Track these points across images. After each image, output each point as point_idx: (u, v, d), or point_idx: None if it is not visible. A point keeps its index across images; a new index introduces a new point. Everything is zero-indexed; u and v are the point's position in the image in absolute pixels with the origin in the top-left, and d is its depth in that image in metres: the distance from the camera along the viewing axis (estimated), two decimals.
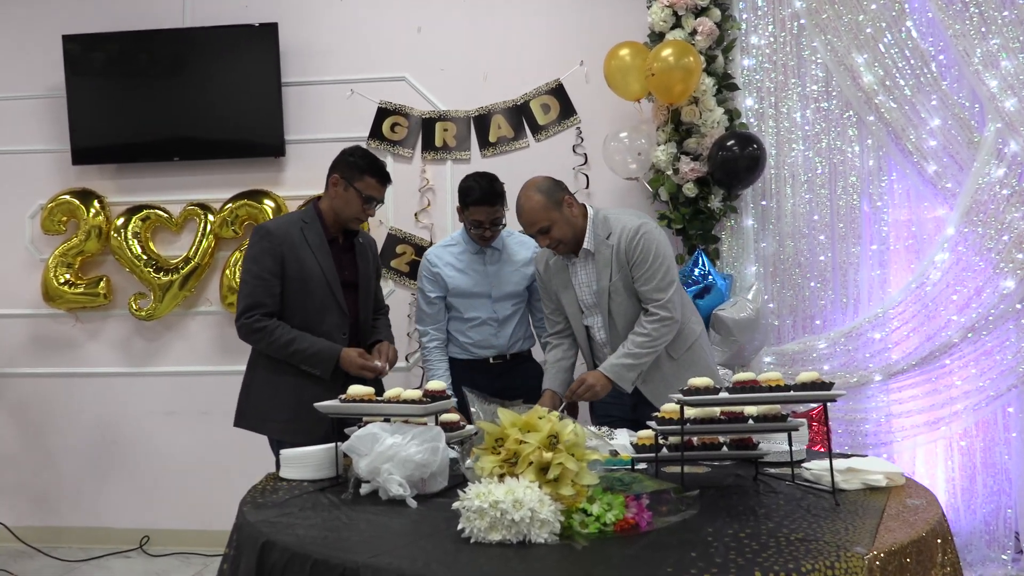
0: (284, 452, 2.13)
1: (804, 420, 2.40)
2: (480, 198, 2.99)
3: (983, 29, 3.40)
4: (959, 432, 3.56)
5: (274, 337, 2.64)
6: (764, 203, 3.70)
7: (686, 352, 2.81)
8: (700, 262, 3.51)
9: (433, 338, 3.14)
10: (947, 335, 3.48)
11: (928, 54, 3.47)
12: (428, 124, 4.01)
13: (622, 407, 2.78)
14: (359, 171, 2.76)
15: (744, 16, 3.69)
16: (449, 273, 3.10)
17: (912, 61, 3.47)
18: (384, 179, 2.81)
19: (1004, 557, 3.50)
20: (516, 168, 3.92)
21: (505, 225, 3.11)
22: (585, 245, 2.73)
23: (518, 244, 3.20)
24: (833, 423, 3.53)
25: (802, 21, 3.61)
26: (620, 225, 2.71)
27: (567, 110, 3.96)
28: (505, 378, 3.07)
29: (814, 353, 3.57)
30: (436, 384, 2.04)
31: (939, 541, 1.66)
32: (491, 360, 3.13)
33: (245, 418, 2.84)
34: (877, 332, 3.55)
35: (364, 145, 3.97)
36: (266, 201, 3.96)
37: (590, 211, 2.77)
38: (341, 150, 2.87)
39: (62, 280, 3.99)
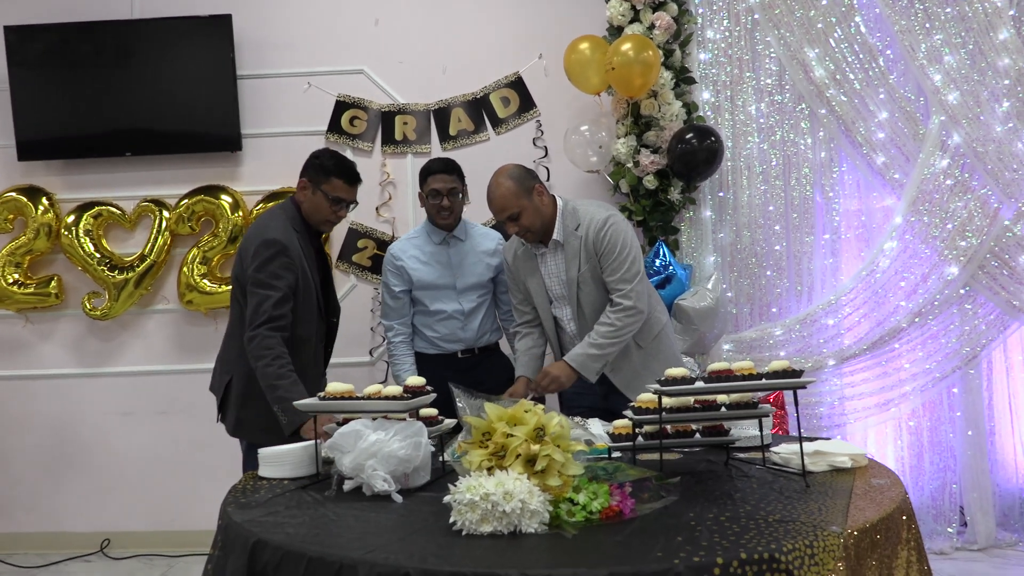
0: (263, 451, 2.12)
1: (771, 408, 2.49)
2: (438, 167, 3.04)
3: (927, 25, 3.54)
4: (907, 413, 3.72)
5: (273, 366, 2.47)
6: (721, 194, 3.79)
7: (652, 341, 2.87)
8: (661, 253, 3.59)
9: (398, 332, 3.13)
10: (896, 320, 3.63)
11: (876, 49, 3.59)
12: (388, 117, 3.99)
13: (592, 396, 2.83)
14: (325, 173, 2.73)
15: (700, 11, 3.77)
16: (413, 266, 3.08)
17: (861, 56, 3.59)
18: (353, 180, 2.78)
19: (950, 530, 3.68)
20: (477, 161, 3.94)
21: (466, 201, 3.11)
22: (555, 236, 2.77)
23: (481, 235, 3.21)
24: (788, 407, 3.65)
25: (756, 16, 3.70)
26: (588, 216, 2.76)
27: (527, 103, 3.98)
28: (474, 372, 3.07)
29: (771, 340, 3.68)
30: (415, 379, 2.05)
31: (904, 518, 1.75)
32: (459, 354, 3.12)
33: (245, 429, 2.72)
34: (830, 318, 3.67)
35: (323, 139, 3.96)
36: (223, 196, 3.90)
37: (559, 202, 2.81)
38: (311, 152, 2.84)
39: (11, 280, 3.86)
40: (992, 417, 3.73)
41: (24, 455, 4.01)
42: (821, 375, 3.68)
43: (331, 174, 2.72)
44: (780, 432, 3.34)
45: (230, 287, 3.78)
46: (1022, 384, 3.71)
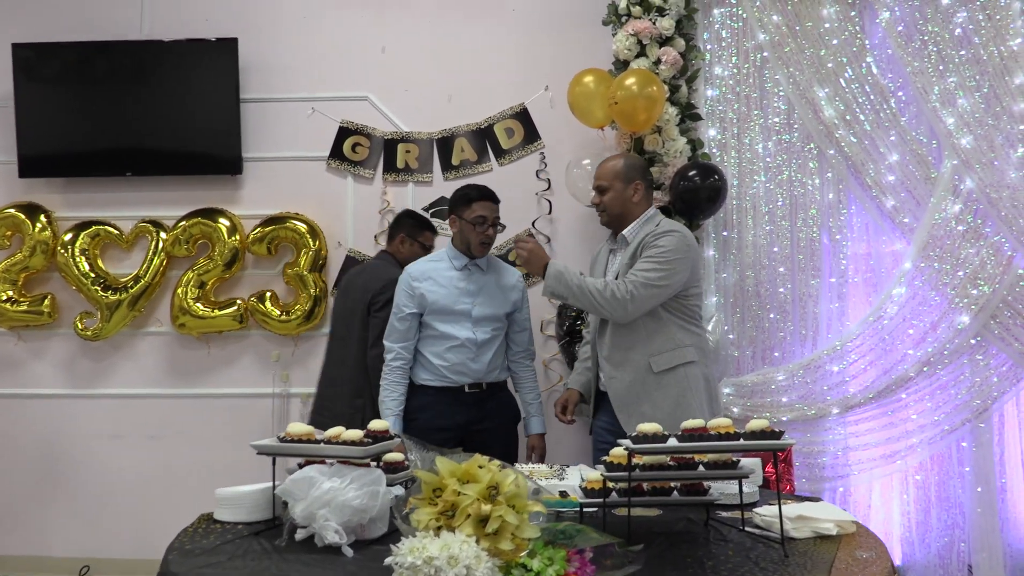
0: (219, 492, 2.05)
1: (758, 460, 2.38)
2: (484, 194, 3.00)
3: (941, 67, 3.44)
4: (914, 466, 3.57)
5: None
6: (725, 233, 3.70)
7: (669, 373, 2.74)
8: None
9: (398, 356, 2.99)
10: (903, 369, 3.49)
11: (888, 90, 3.50)
12: (390, 145, 3.95)
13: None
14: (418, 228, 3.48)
15: (708, 47, 3.70)
16: (430, 288, 2.97)
17: (872, 96, 3.49)
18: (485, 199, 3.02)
19: None
20: None
21: (504, 227, 3.06)
22: (626, 231, 2.83)
23: (503, 269, 3.14)
24: (792, 455, 3.52)
25: (765, 54, 3.63)
26: (666, 225, 2.80)
27: (531, 135, 3.93)
28: (479, 408, 2.97)
29: (772, 385, 3.56)
30: (379, 423, 1.97)
31: None
32: (466, 388, 2.98)
33: None
34: (835, 365, 3.55)
35: (324, 165, 3.94)
36: (221, 219, 3.87)
37: (651, 211, 2.88)
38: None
39: (5, 297, 3.86)
40: (1003, 473, 3.56)
41: (9, 475, 3.97)
42: (825, 423, 3.55)
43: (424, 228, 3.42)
44: (788, 488, 3.19)
45: (223, 312, 3.81)
46: None
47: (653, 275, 2.67)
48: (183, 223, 3.87)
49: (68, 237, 3.88)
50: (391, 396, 2.97)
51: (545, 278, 2.74)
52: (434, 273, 3.00)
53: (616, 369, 2.77)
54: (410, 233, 3.48)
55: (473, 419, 2.96)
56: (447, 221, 3.09)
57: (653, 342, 2.74)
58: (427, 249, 3.45)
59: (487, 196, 2.99)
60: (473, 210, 2.95)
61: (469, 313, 2.98)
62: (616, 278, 2.76)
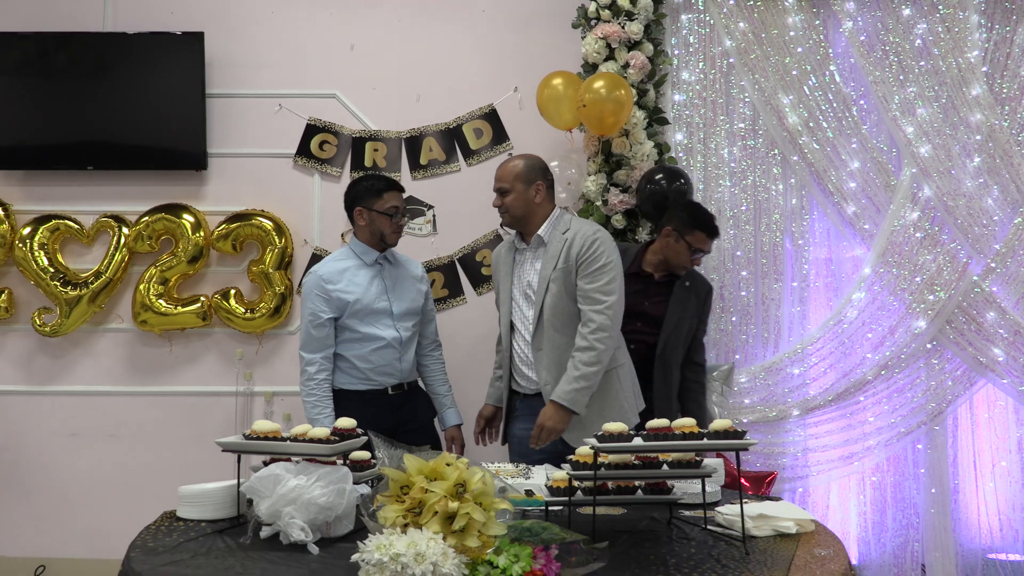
0: (183, 489, 2.02)
1: (720, 461, 2.41)
2: (391, 183, 2.99)
3: (901, 77, 3.52)
4: (871, 467, 3.65)
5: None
6: None
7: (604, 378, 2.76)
8: None
9: (322, 368, 2.84)
10: (862, 372, 3.57)
11: (850, 98, 3.57)
12: (358, 143, 3.93)
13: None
14: (691, 226, 3.06)
15: (676, 52, 3.74)
16: (348, 289, 2.87)
17: (835, 104, 3.56)
18: (713, 234, 3.12)
19: None
20: (447, 191, 3.91)
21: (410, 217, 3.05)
22: (540, 232, 2.84)
23: (407, 260, 3.12)
24: (753, 456, 3.57)
25: (731, 60, 3.68)
26: (580, 224, 2.86)
27: (500, 135, 3.93)
28: (403, 411, 2.94)
29: (735, 387, 3.61)
30: (345, 421, 1.96)
31: None
32: (390, 390, 2.92)
33: None
34: (796, 367, 3.61)
35: (291, 163, 3.90)
36: (185, 215, 3.81)
37: (557, 210, 2.92)
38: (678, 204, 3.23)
39: None
40: (957, 474, 3.65)
41: None
42: (785, 425, 3.62)
43: (695, 228, 3.05)
44: (752, 491, 3.25)
45: (186, 308, 3.76)
46: (987, 442, 3.65)
47: (611, 286, 2.72)
48: (146, 218, 3.80)
49: (27, 231, 3.79)
50: (324, 412, 2.82)
51: (575, 408, 2.66)
52: (346, 273, 2.91)
53: (553, 375, 2.74)
54: (679, 230, 3.08)
55: (400, 423, 2.90)
56: (354, 214, 2.97)
57: None
58: (693, 251, 3.09)
59: (395, 186, 2.99)
60: (385, 200, 2.92)
61: (389, 311, 2.93)
62: (541, 278, 2.78)
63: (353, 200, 2.97)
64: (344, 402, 2.86)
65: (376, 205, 2.92)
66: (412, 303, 2.99)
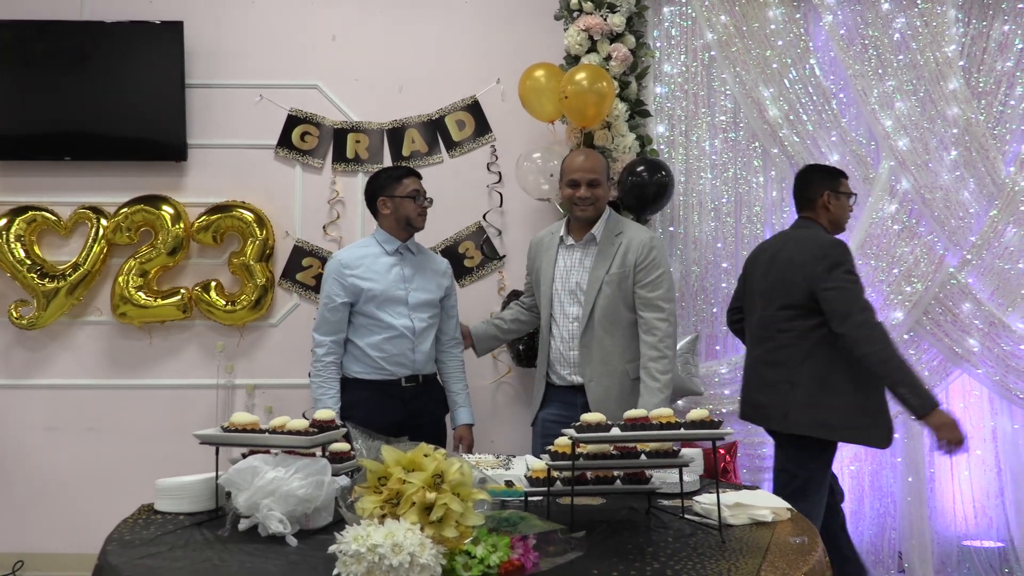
0: (160, 482, 2.01)
1: (699, 451, 2.43)
2: (408, 170, 3.04)
3: (880, 71, 3.55)
4: (849, 456, 3.68)
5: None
6: (672, 229, 3.76)
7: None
8: None
9: (331, 351, 2.90)
10: None
11: (830, 92, 3.60)
12: (340, 134, 3.91)
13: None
14: (835, 177, 3.02)
15: (658, 44, 3.75)
16: (365, 275, 2.91)
17: (815, 98, 3.59)
18: None
19: None
20: (430, 183, 3.82)
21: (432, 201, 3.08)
22: (594, 231, 2.89)
23: (431, 254, 3.17)
24: (738, 448, 3.60)
25: (713, 53, 3.69)
26: (633, 229, 2.93)
27: (482, 127, 3.93)
28: (416, 403, 2.94)
29: (716, 378, 3.64)
30: (324, 413, 1.96)
31: None
32: (403, 382, 2.92)
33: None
34: None
35: (272, 153, 3.88)
36: (164, 207, 3.78)
37: (608, 210, 2.97)
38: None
39: None
40: (932, 463, 3.71)
41: None
42: None
43: (839, 175, 2.98)
44: (731, 477, 3.29)
45: (166, 301, 3.73)
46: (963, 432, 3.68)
47: (670, 294, 2.85)
48: (125, 210, 3.77)
49: (3, 223, 3.74)
50: (328, 394, 2.88)
51: None
52: (366, 260, 2.95)
53: (598, 374, 2.84)
54: (832, 187, 2.92)
55: (409, 416, 2.91)
56: (377, 204, 3.00)
57: (629, 351, 2.86)
58: (850, 195, 2.99)
59: (413, 172, 3.04)
60: (406, 185, 2.97)
61: (405, 300, 2.93)
62: (592, 279, 2.85)
63: (375, 192, 3.00)
64: (356, 390, 2.90)
65: (398, 191, 2.96)
66: (429, 294, 3.00)
